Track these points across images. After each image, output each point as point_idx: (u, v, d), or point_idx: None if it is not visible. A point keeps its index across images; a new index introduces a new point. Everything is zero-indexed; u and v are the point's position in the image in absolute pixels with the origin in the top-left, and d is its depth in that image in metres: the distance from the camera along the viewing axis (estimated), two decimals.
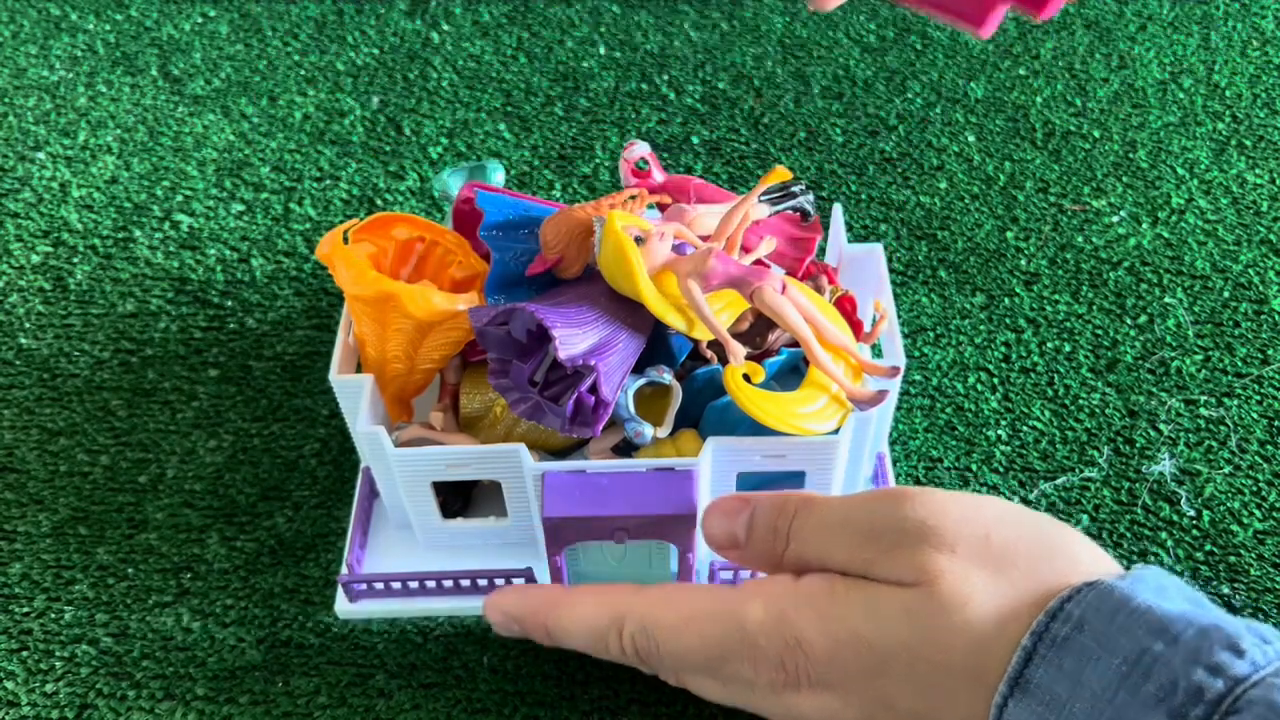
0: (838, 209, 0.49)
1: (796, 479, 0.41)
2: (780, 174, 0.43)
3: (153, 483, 0.49)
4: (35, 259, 0.59)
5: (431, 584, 0.43)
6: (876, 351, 0.49)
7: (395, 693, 0.42)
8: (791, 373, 0.42)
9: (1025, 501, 0.47)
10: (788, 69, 0.70)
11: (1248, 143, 0.64)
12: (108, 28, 0.74)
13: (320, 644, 0.43)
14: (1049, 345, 0.53)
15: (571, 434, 0.38)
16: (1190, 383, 0.52)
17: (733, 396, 0.37)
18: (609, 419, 0.39)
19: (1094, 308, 0.55)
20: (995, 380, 0.52)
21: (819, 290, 0.43)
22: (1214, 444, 0.49)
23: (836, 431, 0.39)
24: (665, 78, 0.69)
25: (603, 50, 0.71)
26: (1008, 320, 0.55)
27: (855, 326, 0.42)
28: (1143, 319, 0.54)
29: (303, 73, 0.70)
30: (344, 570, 0.44)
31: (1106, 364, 0.52)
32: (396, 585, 0.43)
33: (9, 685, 0.42)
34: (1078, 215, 0.60)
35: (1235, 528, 0.46)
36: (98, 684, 0.42)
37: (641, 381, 0.40)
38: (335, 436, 0.50)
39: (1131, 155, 0.64)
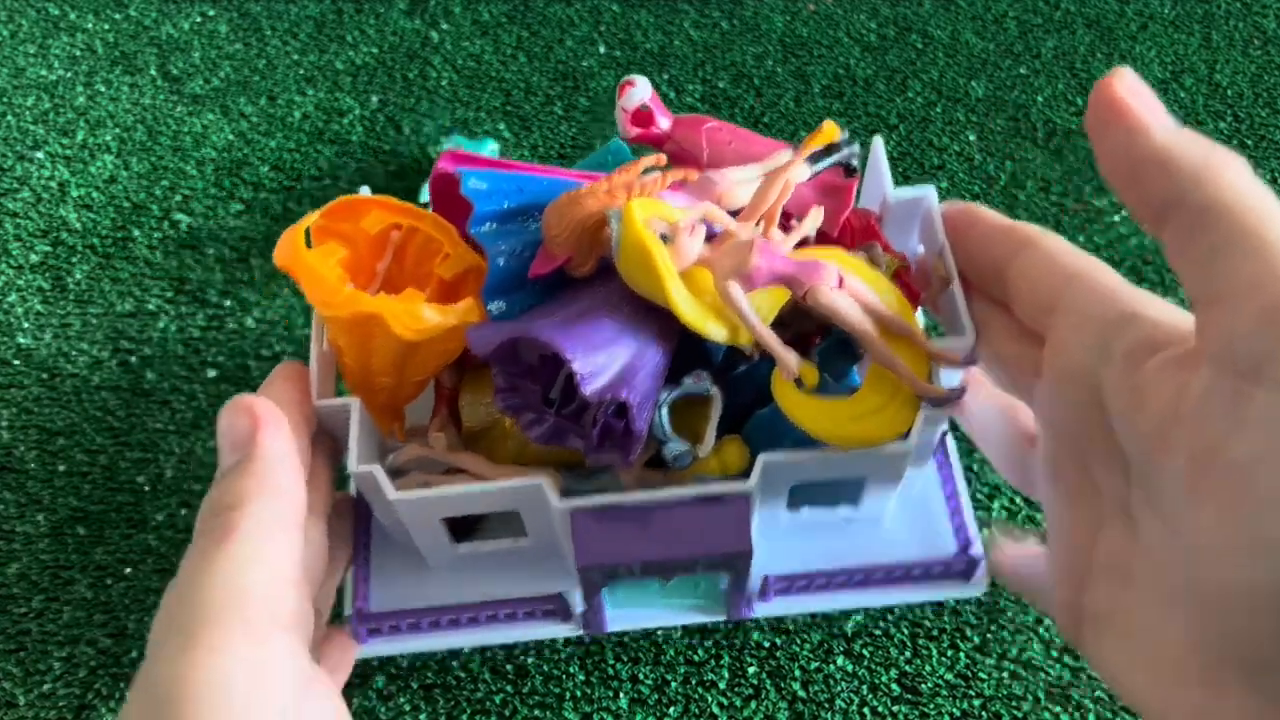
0: (878, 143, 0.40)
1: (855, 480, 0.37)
2: (829, 132, 0.36)
3: (152, 483, 0.49)
4: (34, 258, 0.59)
5: (450, 619, 0.39)
6: (932, 327, 0.44)
7: (396, 694, 0.42)
8: (840, 354, 0.36)
9: (1027, 502, 0.47)
10: (788, 68, 0.69)
11: (1249, 142, 0.64)
12: (106, 27, 0.73)
13: None
14: None
15: (600, 461, 0.33)
16: None
17: (785, 413, 0.32)
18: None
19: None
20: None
21: (874, 263, 0.35)
22: None
23: (906, 436, 0.33)
24: (665, 77, 0.69)
25: (603, 49, 0.71)
26: None
27: (913, 296, 0.35)
28: None
29: (302, 72, 0.70)
30: (349, 611, 0.38)
31: None
32: (412, 624, 0.38)
33: (7, 685, 0.42)
34: (1079, 215, 0.60)
35: None
36: (96, 685, 0.42)
37: (677, 393, 0.34)
38: None
39: None
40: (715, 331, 0.32)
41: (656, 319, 0.34)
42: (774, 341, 0.32)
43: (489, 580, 0.39)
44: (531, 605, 0.38)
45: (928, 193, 0.37)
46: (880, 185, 0.39)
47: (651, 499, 0.33)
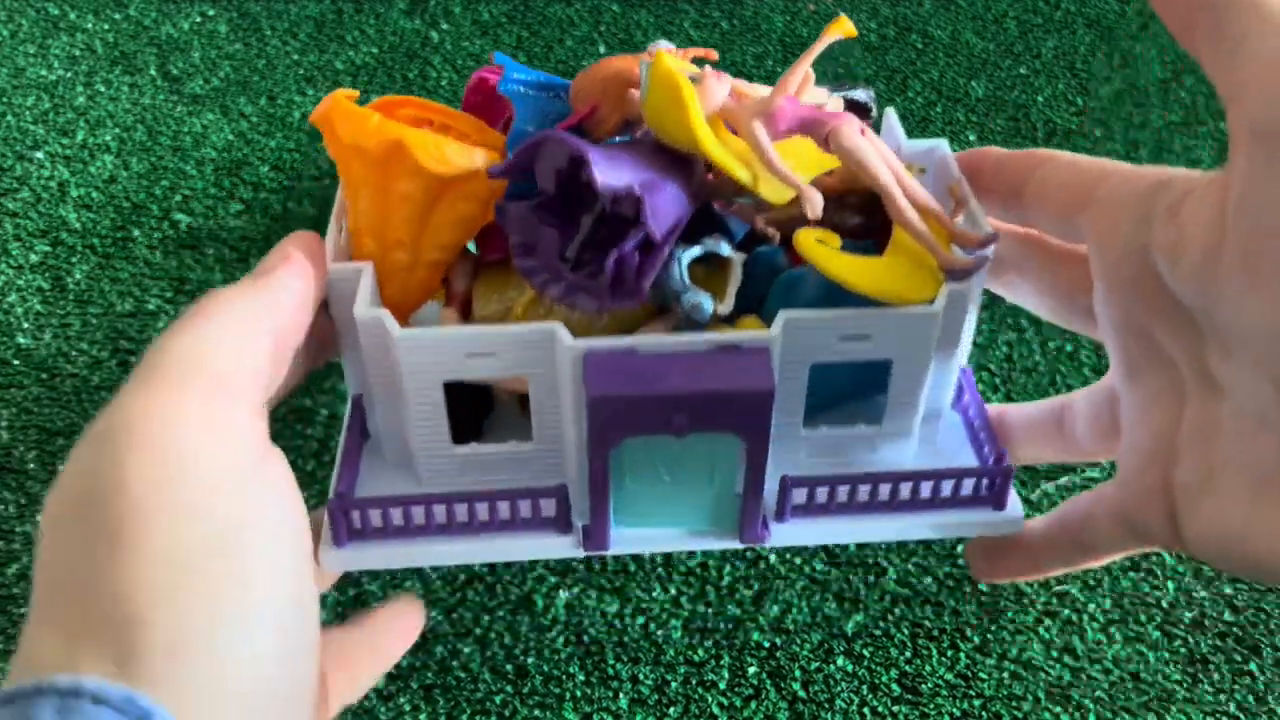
0: (892, 113, 0.41)
1: (878, 380, 0.35)
2: (843, 25, 0.36)
3: None
4: (34, 258, 0.59)
5: (441, 517, 0.34)
6: None
7: (396, 694, 0.42)
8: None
9: (1026, 502, 0.47)
10: (788, 68, 0.69)
11: None
12: (106, 27, 0.73)
13: None
14: (1051, 345, 0.53)
15: (612, 306, 0.32)
16: None
17: (808, 258, 0.31)
18: (658, 293, 0.32)
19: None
20: (998, 380, 0.52)
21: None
22: None
23: (932, 302, 0.32)
24: None
25: (603, 49, 0.71)
26: (1009, 320, 0.54)
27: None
28: None
29: (302, 72, 0.70)
30: (331, 497, 0.34)
31: (1109, 364, 0.52)
32: (398, 521, 0.34)
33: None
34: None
35: None
36: None
37: (697, 251, 0.33)
38: (333, 437, 0.50)
39: (1133, 154, 0.63)
40: (738, 170, 0.32)
41: (680, 173, 0.33)
42: (793, 176, 0.31)
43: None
44: (530, 497, 0.34)
45: (940, 144, 0.38)
46: (894, 142, 0.39)
47: (667, 344, 0.32)
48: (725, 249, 0.33)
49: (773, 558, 0.46)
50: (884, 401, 0.35)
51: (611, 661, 0.43)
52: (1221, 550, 0.27)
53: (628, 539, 0.35)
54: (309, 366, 0.35)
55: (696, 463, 0.33)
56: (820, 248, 0.31)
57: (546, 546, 0.35)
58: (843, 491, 0.34)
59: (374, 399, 0.35)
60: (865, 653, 0.43)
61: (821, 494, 0.34)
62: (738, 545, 0.35)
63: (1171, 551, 0.45)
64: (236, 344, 0.28)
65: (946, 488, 0.35)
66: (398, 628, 0.36)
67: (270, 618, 0.26)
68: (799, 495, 0.34)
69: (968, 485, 0.35)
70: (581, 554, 0.35)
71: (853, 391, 0.36)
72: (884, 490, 0.35)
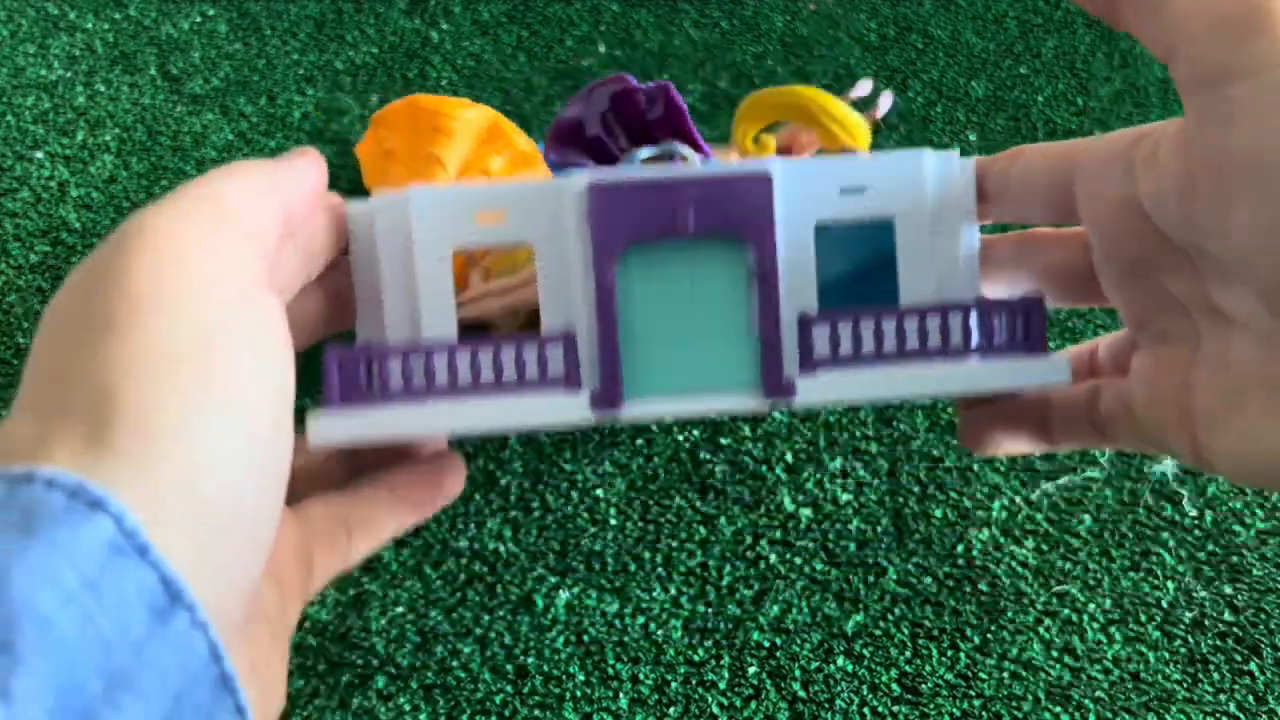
0: (888, 94, 0.45)
1: (883, 244, 0.34)
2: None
3: None
4: (34, 258, 0.59)
5: (443, 375, 0.32)
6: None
7: (396, 694, 0.42)
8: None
9: (1027, 502, 0.47)
10: (788, 67, 0.69)
11: None
12: (106, 27, 0.73)
13: (319, 645, 0.43)
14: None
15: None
16: None
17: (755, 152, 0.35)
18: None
19: (1095, 307, 0.55)
20: None
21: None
22: None
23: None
24: (666, 76, 0.69)
25: (603, 48, 0.71)
26: None
27: None
28: None
29: (301, 71, 0.70)
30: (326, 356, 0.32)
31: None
32: (397, 381, 0.32)
33: None
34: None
35: (1238, 528, 0.46)
36: None
37: (651, 150, 0.35)
38: None
39: None
40: None
41: None
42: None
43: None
44: (534, 345, 0.32)
45: (921, 153, 0.37)
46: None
47: (671, 172, 0.32)
48: (684, 149, 0.34)
49: (773, 557, 0.46)
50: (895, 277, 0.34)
51: (611, 661, 0.43)
52: (1256, 468, 0.28)
53: (641, 406, 0.33)
54: (325, 314, 0.35)
55: (707, 291, 0.32)
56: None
57: (555, 408, 0.32)
58: (868, 333, 0.33)
59: (374, 271, 0.34)
60: (865, 653, 0.43)
61: (845, 333, 0.33)
62: (762, 404, 0.33)
63: (1169, 549, 0.45)
64: (247, 197, 0.29)
65: (977, 331, 0.33)
66: (436, 480, 0.36)
67: (245, 426, 0.25)
68: (820, 338, 0.33)
69: (1000, 328, 0.34)
70: (592, 417, 0.32)
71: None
72: (911, 331, 0.33)
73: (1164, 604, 0.44)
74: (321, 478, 0.36)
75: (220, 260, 0.27)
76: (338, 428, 0.31)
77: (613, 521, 0.46)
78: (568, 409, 0.32)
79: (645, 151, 0.34)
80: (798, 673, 0.43)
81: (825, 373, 0.33)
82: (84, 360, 0.24)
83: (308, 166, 0.32)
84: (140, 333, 0.24)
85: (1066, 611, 0.44)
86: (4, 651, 0.19)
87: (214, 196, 0.28)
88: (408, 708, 0.41)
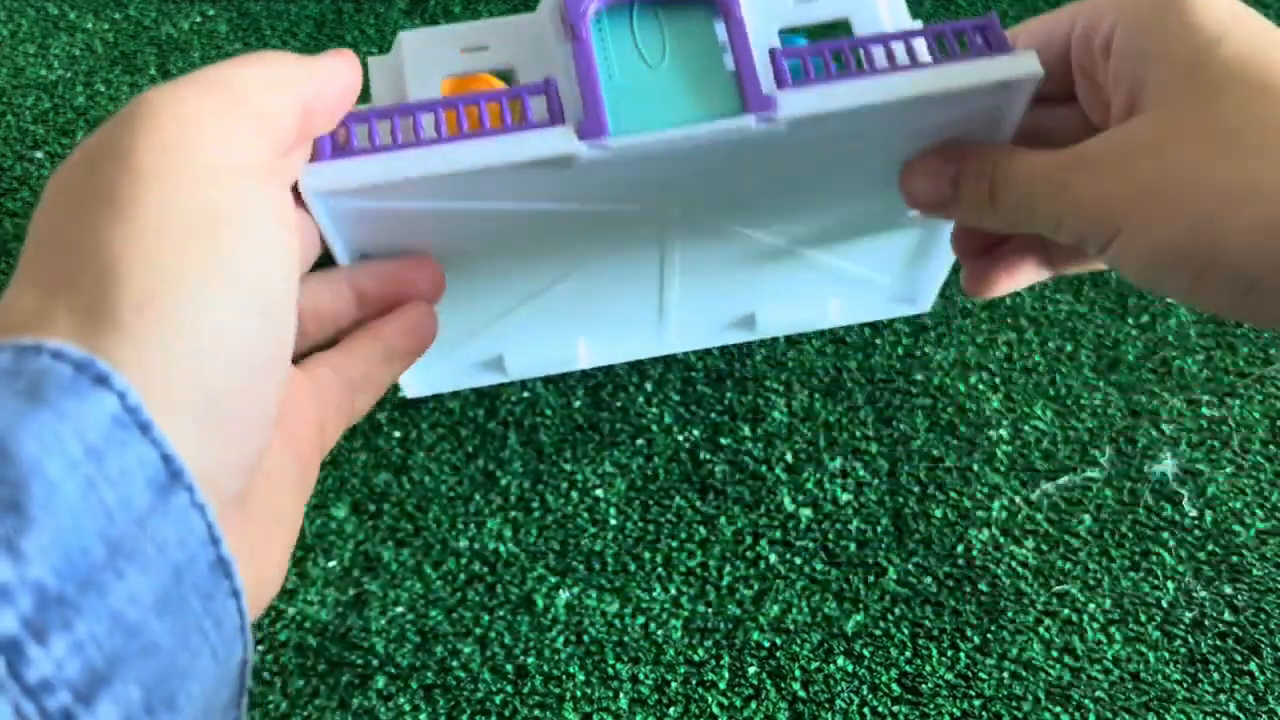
0: None
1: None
2: None
3: None
4: None
5: (428, 128, 0.33)
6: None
7: (396, 694, 0.42)
8: None
9: (1027, 502, 0.47)
10: None
11: None
12: (106, 27, 0.73)
13: (319, 645, 0.43)
14: (1050, 345, 0.53)
15: None
16: (1192, 382, 0.51)
17: None
18: None
19: (1096, 307, 0.55)
20: (997, 380, 0.52)
21: None
22: (1216, 444, 0.49)
23: None
24: None
25: None
26: (1009, 319, 0.54)
27: None
28: (1145, 318, 0.54)
29: None
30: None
31: (1108, 363, 0.52)
32: (385, 139, 0.32)
33: None
34: None
35: (1238, 528, 0.46)
36: None
37: None
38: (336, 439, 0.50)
39: None
40: None
41: None
42: None
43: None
44: (517, 97, 0.33)
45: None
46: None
47: None
48: None
49: (773, 557, 0.46)
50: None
51: (611, 661, 0.43)
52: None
53: (629, 139, 0.33)
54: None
55: (684, 49, 0.34)
56: None
57: (542, 143, 0.32)
58: (834, 57, 0.34)
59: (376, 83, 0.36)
60: (865, 653, 0.43)
61: (814, 62, 0.34)
62: (747, 122, 0.33)
63: (1169, 549, 0.45)
64: (263, 86, 0.28)
65: (939, 45, 0.34)
66: (419, 324, 0.36)
67: (247, 307, 0.25)
68: (791, 65, 0.34)
69: (959, 42, 0.34)
70: (582, 148, 0.33)
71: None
72: (879, 54, 0.35)
73: (1164, 604, 0.44)
74: (316, 339, 0.35)
75: (228, 142, 0.26)
76: (329, 176, 0.31)
77: (613, 521, 0.46)
78: (555, 141, 0.32)
79: None
80: (798, 673, 0.43)
81: (801, 88, 0.34)
82: (87, 235, 0.24)
83: (340, 67, 0.31)
84: (143, 209, 0.24)
85: (1066, 611, 0.44)
86: (14, 511, 0.20)
87: (227, 81, 0.27)
88: (408, 708, 0.41)
